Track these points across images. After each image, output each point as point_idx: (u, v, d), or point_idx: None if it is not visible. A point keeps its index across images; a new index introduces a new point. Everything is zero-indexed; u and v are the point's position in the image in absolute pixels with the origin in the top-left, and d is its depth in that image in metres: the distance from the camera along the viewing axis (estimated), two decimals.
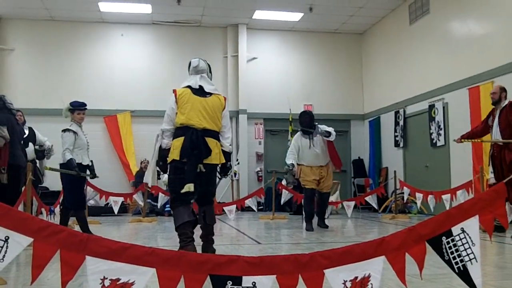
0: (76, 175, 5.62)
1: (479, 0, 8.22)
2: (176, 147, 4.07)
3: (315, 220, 6.94)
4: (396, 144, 10.93)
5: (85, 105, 6.00)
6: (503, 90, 6.01)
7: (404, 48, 10.61)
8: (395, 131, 10.94)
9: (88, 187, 8.34)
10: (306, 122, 6.91)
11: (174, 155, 4.07)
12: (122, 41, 11.69)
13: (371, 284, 1.68)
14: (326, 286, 1.66)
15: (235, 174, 11.44)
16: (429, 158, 9.68)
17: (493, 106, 6.09)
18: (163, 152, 4.24)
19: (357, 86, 12.63)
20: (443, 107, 9.13)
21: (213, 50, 12.01)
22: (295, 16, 11.36)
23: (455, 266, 1.78)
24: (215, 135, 4.19)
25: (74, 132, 5.71)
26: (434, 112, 9.41)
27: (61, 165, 5.74)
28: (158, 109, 11.56)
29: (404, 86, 10.63)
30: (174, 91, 4.22)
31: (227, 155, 4.29)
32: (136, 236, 6.26)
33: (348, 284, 1.66)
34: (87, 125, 10.96)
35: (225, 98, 4.35)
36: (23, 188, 6.15)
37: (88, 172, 5.92)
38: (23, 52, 11.23)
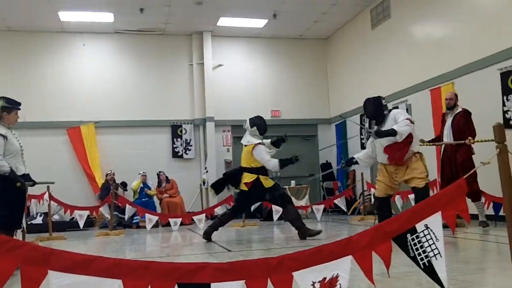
0: (21, 186, 4.58)
1: (438, 3, 8.46)
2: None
3: None
4: (362, 147, 11.09)
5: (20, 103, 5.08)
6: (456, 96, 6.55)
7: (367, 52, 10.82)
8: (361, 134, 11.11)
9: (52, 202, 8.12)
10: (368, 111, 5.44)
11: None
12: (84, 51, 11.44)
13: (340, 284, 1.69)
14: None
15: (204, 182, 11.36)
16: None
17: (446, 111, 6.63)
18: None
19: (323, 91, 12.78)
20: (406, 109, 9.32)
21: (178, 58, 11.93)
22: (260, 23, 11.42)
23: (421, 262, 1.81)
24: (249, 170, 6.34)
25: (4, 136, 4.62)
26: None
27: None
28: (122, 119, 11.43)
29: (367, 89, 10.77)
30: None
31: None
32: (103, 250, 6.12)
33: (317, 285, 1.67)
34: (50, 138, 10.92)
35: (254, 146, 6.26)
36: None
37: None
38: None
